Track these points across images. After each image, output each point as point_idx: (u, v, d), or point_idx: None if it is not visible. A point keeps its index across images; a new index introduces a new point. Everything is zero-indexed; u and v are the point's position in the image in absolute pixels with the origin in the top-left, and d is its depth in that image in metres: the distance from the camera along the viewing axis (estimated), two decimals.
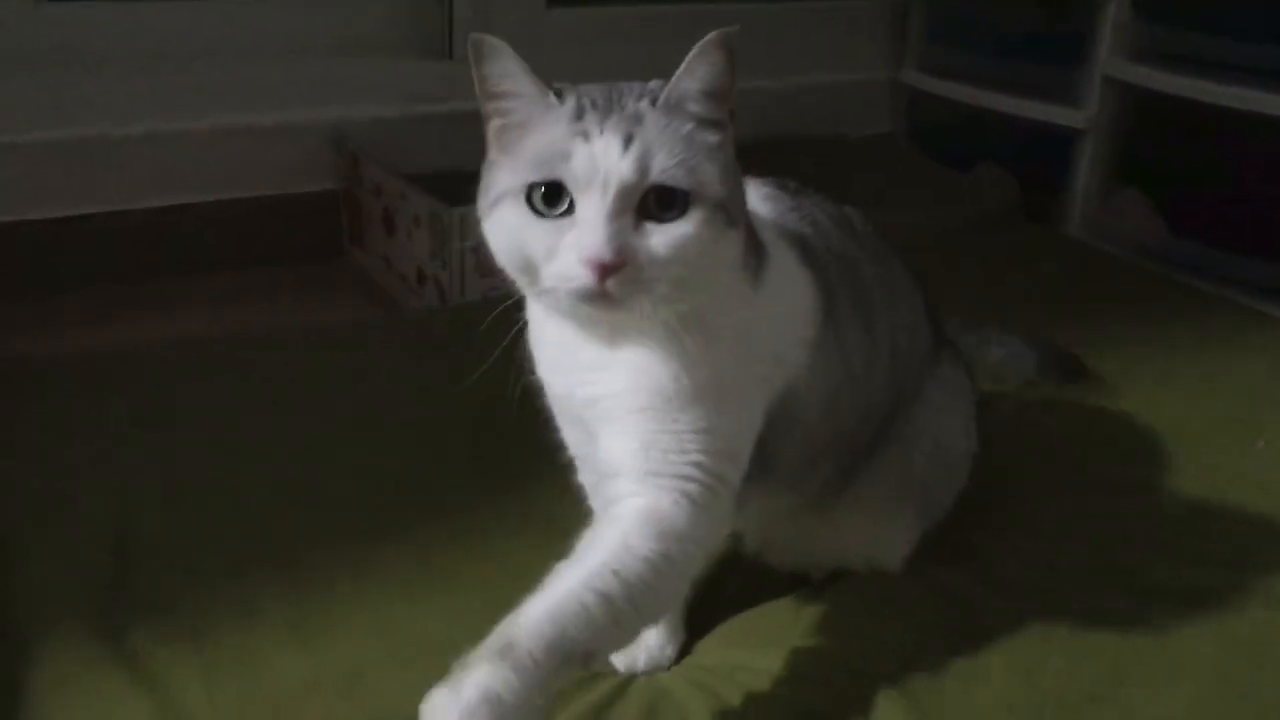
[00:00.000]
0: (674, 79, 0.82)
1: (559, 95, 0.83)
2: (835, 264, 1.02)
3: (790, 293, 0.95)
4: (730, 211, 0.83)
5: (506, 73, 0.83)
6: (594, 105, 0.82)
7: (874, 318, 1.06)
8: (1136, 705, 1.01)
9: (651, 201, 0.80)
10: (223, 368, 1.54)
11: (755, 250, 0.91)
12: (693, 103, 0.82)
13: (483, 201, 0.86)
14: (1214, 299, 1.92)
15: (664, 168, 0.79)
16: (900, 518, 1.14)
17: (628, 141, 0.79)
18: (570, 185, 0.80)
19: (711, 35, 0.81)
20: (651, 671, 1.05)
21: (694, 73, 0.82)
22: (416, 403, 1.47)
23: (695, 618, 1.09)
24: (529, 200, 0.81)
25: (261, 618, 1.07)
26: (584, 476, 1.04)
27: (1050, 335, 1.67)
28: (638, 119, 0.81)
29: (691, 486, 0.90)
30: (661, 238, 0.80)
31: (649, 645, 1.06)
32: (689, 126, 0.82)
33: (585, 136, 0.80)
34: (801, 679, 1.03)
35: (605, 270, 0.78)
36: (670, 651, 1.07)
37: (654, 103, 0.82)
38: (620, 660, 1.05)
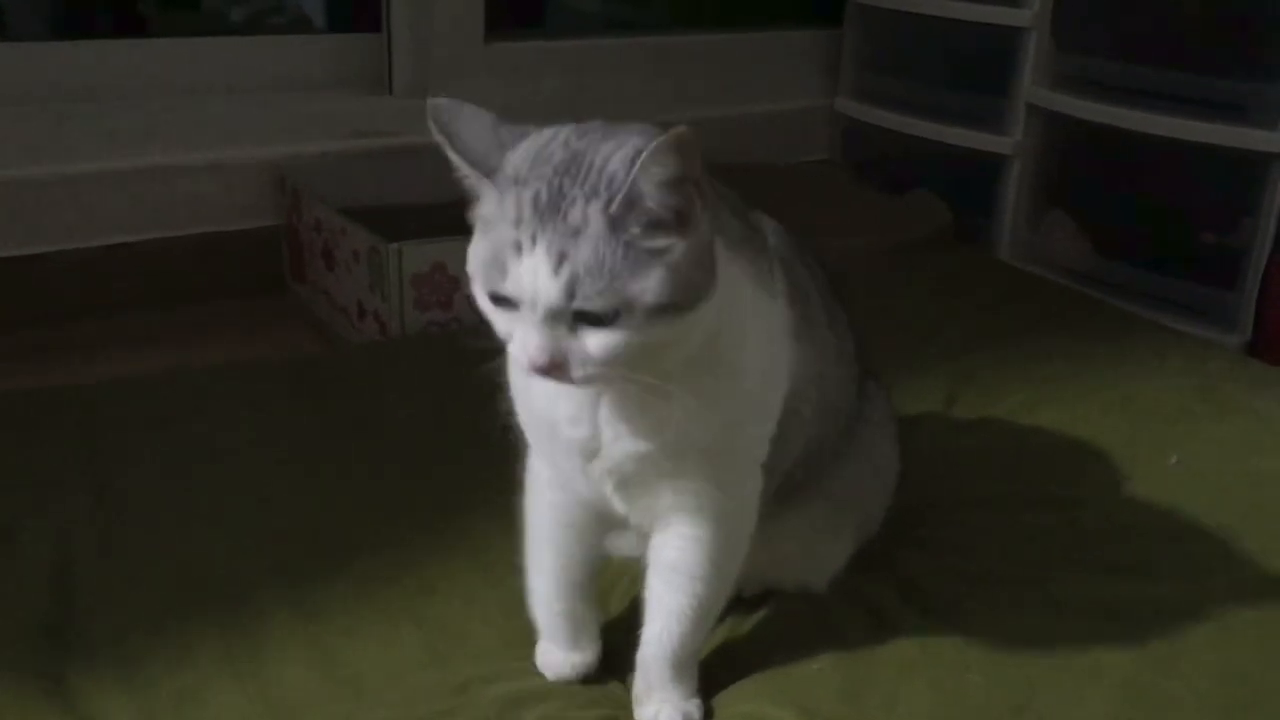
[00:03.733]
0: (627, 182, 0.79)
1: (512, 185, 0.81)
2: (794, 263, 1.06)
3: (761, 292, 0.96)
4: (682, 303, 0.82)
5: (445, 146, 0.84)
6: (536, 205, 0.80)
7: (831, 320, 1.11)
8: (1054, 714, 1.05)
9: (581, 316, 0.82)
10: (162, 404, 1.54)
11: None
12: (649, 201, 0.80)
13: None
14: (1137, 319, 1.97)
15: (588, 295, 0.79)
16: (841, 534, 1.18)
17: (559, 263, 0.79)
18: (507, 295, 0.82)
19: (664, 138, 0.78)
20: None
21: (647, 173, 0.79)
22: (354, 436, 1.48)
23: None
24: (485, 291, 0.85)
25: (198, 656, 1.08)
26: (554, 482, 1.05)
27: (977, 353, 1.73)
28: (575, 233, 0.79)
29: (735, 506, 0.99)
30: (594, 342, 0.82)
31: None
32: (634, 233, 0.80)
33: (518, 249, 0.80)
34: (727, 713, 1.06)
35: (542, 371, 0.82)
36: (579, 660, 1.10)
37: (608, 205, 0.79)
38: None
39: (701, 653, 1.07)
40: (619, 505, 1.00)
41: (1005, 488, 1.41)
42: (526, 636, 1.12)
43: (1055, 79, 2.27)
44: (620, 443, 0.93)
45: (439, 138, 0.84)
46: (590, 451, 0.95)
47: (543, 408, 0.95)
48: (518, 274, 0.80)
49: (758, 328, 0.95)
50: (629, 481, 0.96)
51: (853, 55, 2.67)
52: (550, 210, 0.80)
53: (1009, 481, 1.43)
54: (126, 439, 1.45)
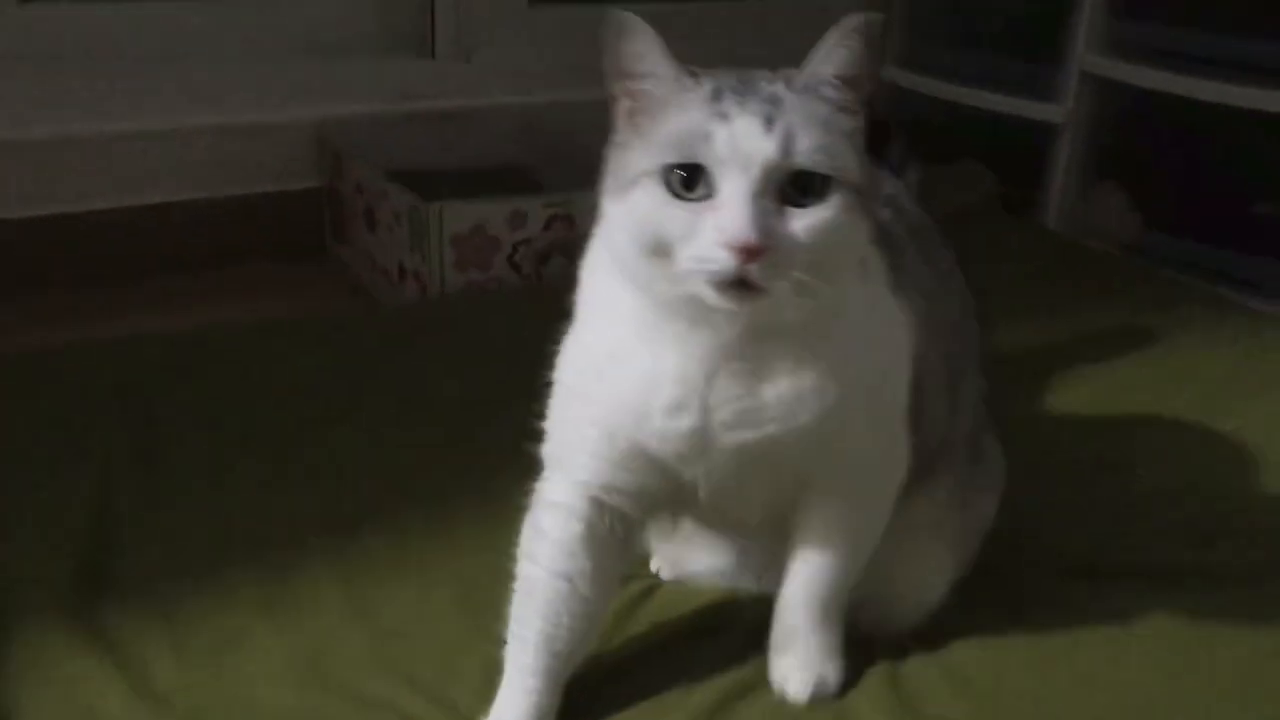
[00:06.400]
0: (809, 64, 0.81)
1: (695, 77, 0.81)
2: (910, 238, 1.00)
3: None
4: (866, 200, 0.81)
5: (643, 52, 0.81)
6: (730, 88, 0.80)
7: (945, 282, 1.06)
8: (1099, 676, 1.03)
9: (791, 186, 0.78)
10: (204, 359, 1.55)
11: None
12: (828, 88, 0.81)
13: (611, 183, 0.83)
14: (1188, 289, 1.94)
15: (807, 149, 0.77)
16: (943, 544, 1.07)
17: (769, 122, 0.77)
18: (711, 167, 0.77)
19: (849, 19, 0.80)
20: None
21: (830, 58, 0.80)
22: (394, 394, 1.48)
23: None
24: (666, 182, 0.79)
25: (235, 601, 1.08)
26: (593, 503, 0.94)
27: (1023, 323, 1.69)
28: (776, 101, 0.78)
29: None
30: (803, 221, 0.78)
31: None
32: (826, 110, 0.80)
33: (725, 117, 0.78)
34: None
35: (748, 254, 0.76)
36: None
37: (788, 86, 0.80)
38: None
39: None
40: (711, 513, 0.94)
41: (1053, 454, 1.38)
42: None
43: (1109, 45, 2.21)
44: (728, 432, 0.85)
45: (640, 40, 0.81)
46: (693, 449, 0.86)
47: (633, 396, 0.86)
48: (729, 134, 0.77)
49: (878, 279, 0.91)
50: (729, 483, 0.88)
51: (900, 22, 2.62)
52: (746, 88, 0.80)
53: (1057, 448, 1.40)
54: (166, 393, 1.46)
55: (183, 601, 1.08)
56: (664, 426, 0.85)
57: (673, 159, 0.78)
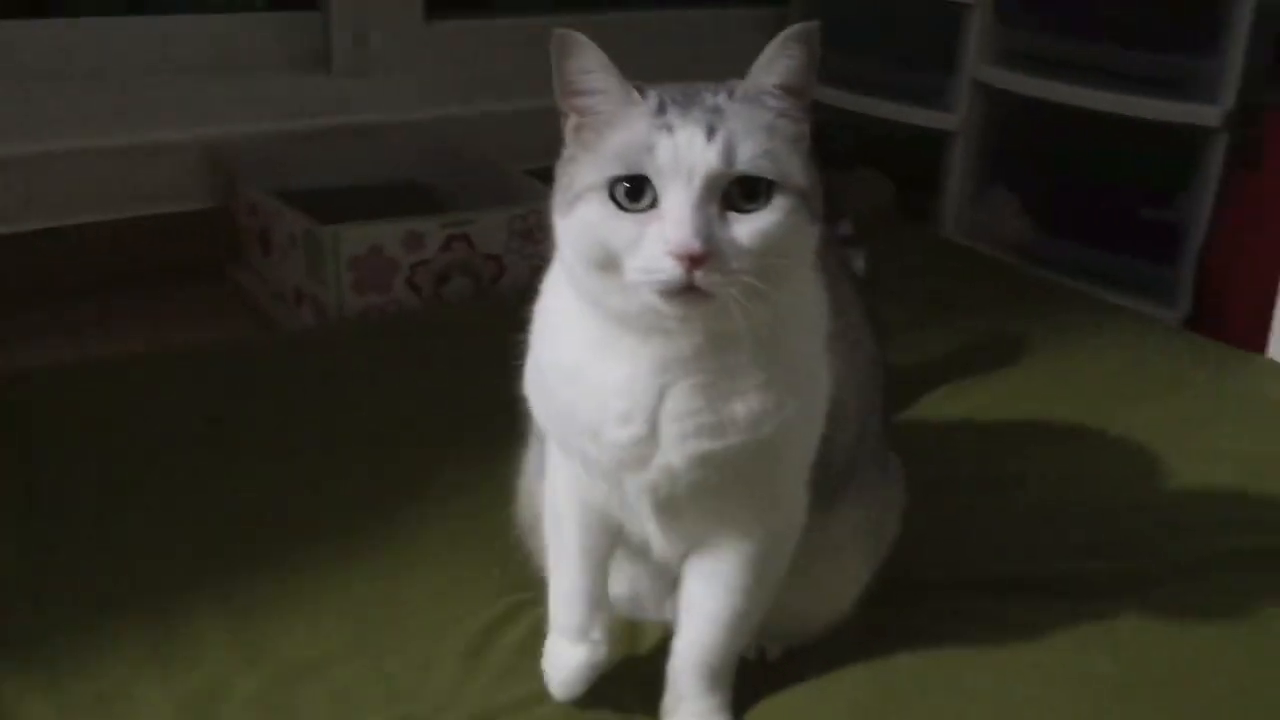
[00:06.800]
0: (751, 73, 0.82)
1: (640, 92, 0.83)
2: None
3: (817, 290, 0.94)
4: (812, 205, 0.83)
5: (589, 69, 0.82)
6: (674, 100, 0.81)
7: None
8: (988, 695, 1.05)
9: (735, 192, 0.80)
10: (93, 394, 1.51)
11: None
12: (770, 97, 0.82)
13: (560, 198, 0.84)
14: (1076, 295, 1.99)
15: (749, 156, 0.79)
16: (868, 554, 1.10)
17: (711, 132, 0.79)
18: (654, 178, 0.79)
19: (790, 29, 0.81)
20: None
21: (772, 67, 0.82)
22: (290, 425, 1.46)
23: None
24: (612, 195, 0.80)
25: (119, 650, 1.06)
26: (574, 517, 0.98)
27: (915, 330, 1.72)
28: (718, 111, 0.80)
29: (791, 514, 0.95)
30: (747, 227, 0.79)
31: None
32: (769, 117, 0.82)
33: (669, 129, 0.79)
34: None
35: (693, 261, 0.77)
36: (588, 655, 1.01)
37: (731, 96, 0.82)
38: None
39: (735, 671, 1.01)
40: (653, 530, 0.94)
41: (941, 467, 1.41)
42: (454, 627, 1.10)
43: (999, 55, 2.26)
44: (686, 443, 0.86)
45: (586, 58, 0.82)
46: (638, 459, 0.87)
47: (585, 413, 0.88)
48: (672, 145, 0.79)
49: (818, 320, 0.92)
50: (674, 498, 0.90)
51: None
52: (690, 100, 0.81)
53: (945, 460, 1.43)
54: (56, 430, 1.42)
55: (65, 652, 1.05)
56: (613, 437, 0.87)
57: (618, 171, 0.80)
